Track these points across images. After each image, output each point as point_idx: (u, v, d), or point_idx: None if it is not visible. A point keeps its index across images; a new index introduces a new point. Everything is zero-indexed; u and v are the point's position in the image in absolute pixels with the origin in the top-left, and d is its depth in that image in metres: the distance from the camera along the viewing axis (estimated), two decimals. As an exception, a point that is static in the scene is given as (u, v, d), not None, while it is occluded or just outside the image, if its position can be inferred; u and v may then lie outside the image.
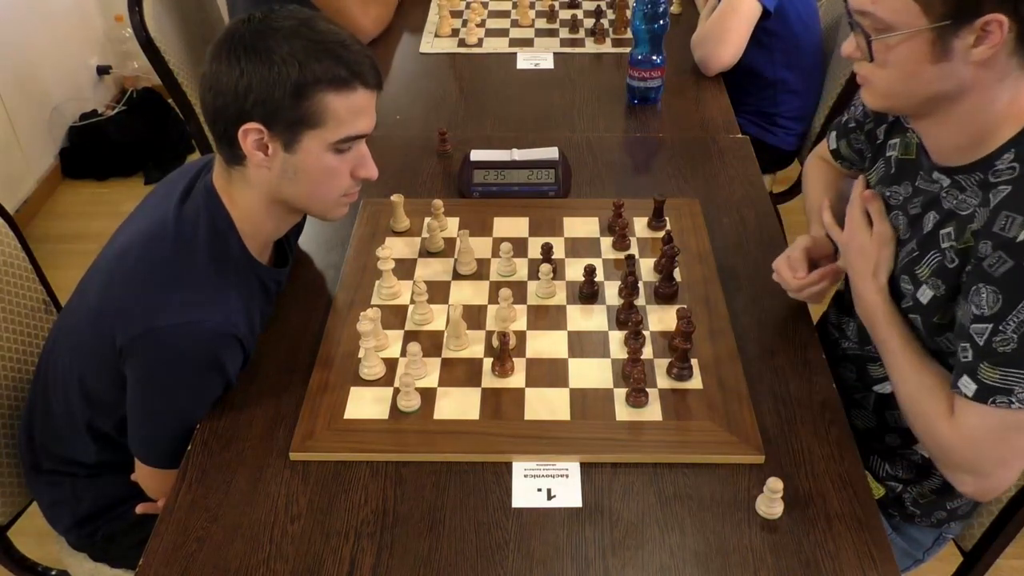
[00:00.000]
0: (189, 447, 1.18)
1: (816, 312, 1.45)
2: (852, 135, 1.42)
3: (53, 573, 1.49)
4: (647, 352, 1.29)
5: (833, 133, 1.47)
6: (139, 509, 1.36)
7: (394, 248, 1.49)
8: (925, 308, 1.14)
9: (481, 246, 1.50)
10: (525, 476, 1.14)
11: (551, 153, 1.68)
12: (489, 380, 1.25)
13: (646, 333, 1.32)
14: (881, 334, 1.20)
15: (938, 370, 1.14)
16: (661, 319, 1.35)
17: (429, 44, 2.27)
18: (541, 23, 2.35)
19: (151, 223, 1.23)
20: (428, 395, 1.23)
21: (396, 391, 1.23)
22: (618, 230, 1.49)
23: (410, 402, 1.21)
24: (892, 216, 1.23)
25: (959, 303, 1.08)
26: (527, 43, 2.26)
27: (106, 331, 1.17)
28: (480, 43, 2.27)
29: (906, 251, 1.18)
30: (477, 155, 1.69)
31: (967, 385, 1.04)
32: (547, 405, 1.21)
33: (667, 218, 1.55)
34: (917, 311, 1.16)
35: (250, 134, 1.14)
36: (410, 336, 1.33)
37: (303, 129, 1.14)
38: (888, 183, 1.26)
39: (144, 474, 1.30)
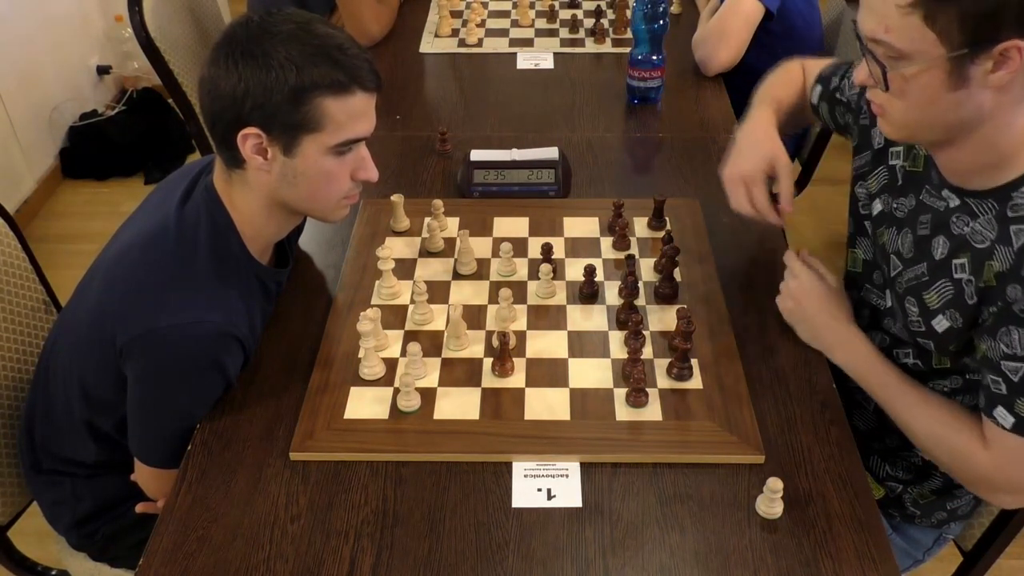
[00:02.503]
0: (189, 447, 1.18)
1: (816, 312, 1.45)
2: (838, 108, 1.38)
3: (53, 573, 1.49)
4: (647, 352, 1.28)
5: (818, 88, 1.42)
6: (139, 509, 1.36)
7: (394, 248, 1.49)
8: (940, 336, 1.15)
9: (481, 246, 1.50)
10: (525, 476, 1.14)
11: (551, 153, 1.68)
12: (489, 380, 1.25)
13: (646, 333, 1.32)
14: (874, 379, 1.21)
15: (947, 401, 1.15)
16: (661, 319, 1.35)
17: (429, 44, 2.27)
18: (541, 23, 2.35)
19: (152, 224, 1.23)
20: (428, 395, 1.23)
21: (396, 391, 1.23)
22: (618, 230, 1.49)
23: (410, 402, 1.21)
24: (901, 233, 1.21)
25: (982, 337, 1.08)
26: (527, 43, 2.26)
27: (106, 331, 1.17)
28: (480, 43, 2.27)
29: (914, 273, 1.17)
30: (477, 155, 1.69)
31: (1004, 417, 1.05)
32: (547, 405, 1.21)
33: (667, 218, 1.55)
34: (930, 337, 1.16)
35: (249, 138, 1.13)
36: (410, 336, 1.33)
37: (301, 133, 1.14)
38: (895, 194, 1.24)
39: (144, 474, 1.30)
